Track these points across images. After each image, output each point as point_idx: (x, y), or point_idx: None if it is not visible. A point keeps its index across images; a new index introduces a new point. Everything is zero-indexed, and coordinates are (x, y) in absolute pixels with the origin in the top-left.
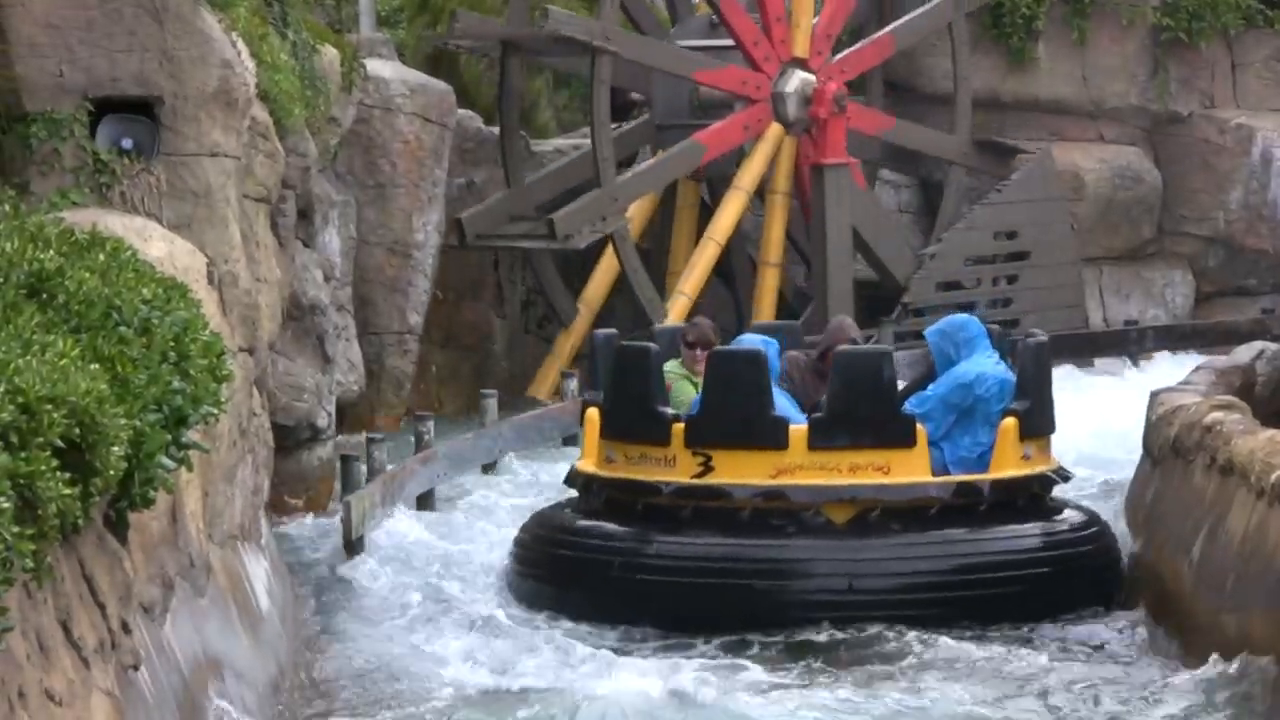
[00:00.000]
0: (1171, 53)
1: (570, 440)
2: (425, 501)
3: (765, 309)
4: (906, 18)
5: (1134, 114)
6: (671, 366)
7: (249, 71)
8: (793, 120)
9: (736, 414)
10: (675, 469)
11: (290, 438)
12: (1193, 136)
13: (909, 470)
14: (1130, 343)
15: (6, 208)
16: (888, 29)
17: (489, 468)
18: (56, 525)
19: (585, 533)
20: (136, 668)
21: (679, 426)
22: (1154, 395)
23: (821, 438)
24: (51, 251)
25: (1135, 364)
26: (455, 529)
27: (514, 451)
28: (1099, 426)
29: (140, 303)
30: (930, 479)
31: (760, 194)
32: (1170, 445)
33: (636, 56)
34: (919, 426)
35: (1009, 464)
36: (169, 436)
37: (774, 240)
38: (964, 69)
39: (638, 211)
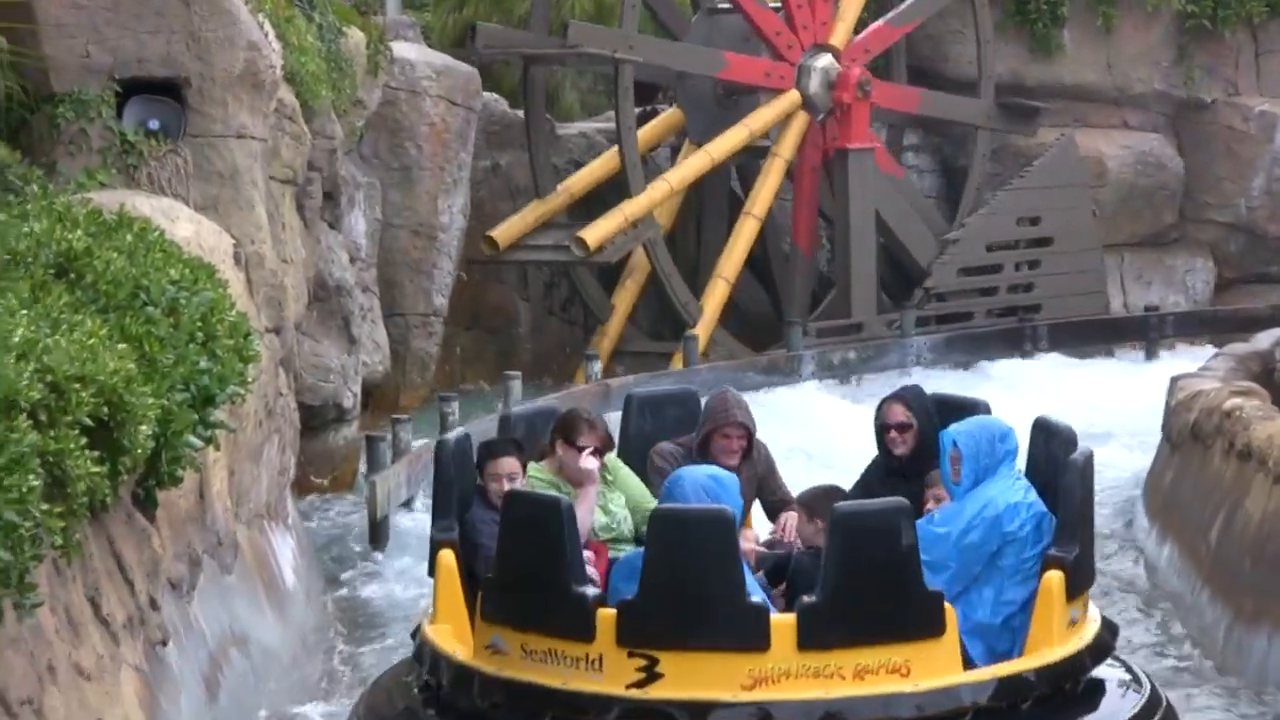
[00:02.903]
0: (1196, 40)
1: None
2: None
3: (737, 254)
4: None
5: (1157, 100)
6: (536, 471)
7: (275, 53)
8: (818, 104)
9: (694, 598)
10: (603, 676)
11: (316, 418)
12: (1216, 123)
13: (936, 669)
14: (1150, 329)
15: (35, 188)
16: (907, 4)
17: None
18: (85, 503)
19: None
20: (165, 643)
21: (607, 614)
22: (1174, 381)
23: (817, 632)
24: (79, 232)
25: (1154, 350)
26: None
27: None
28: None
29: (168, 283)
30: (964, 678)
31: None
32: (1189, 430)
33: (659, 61)
34: (948, 607)
35: (1054, 636)
36: (196, 416)
37: (762, 195)
38: (987, 55)
39: (668, 203)
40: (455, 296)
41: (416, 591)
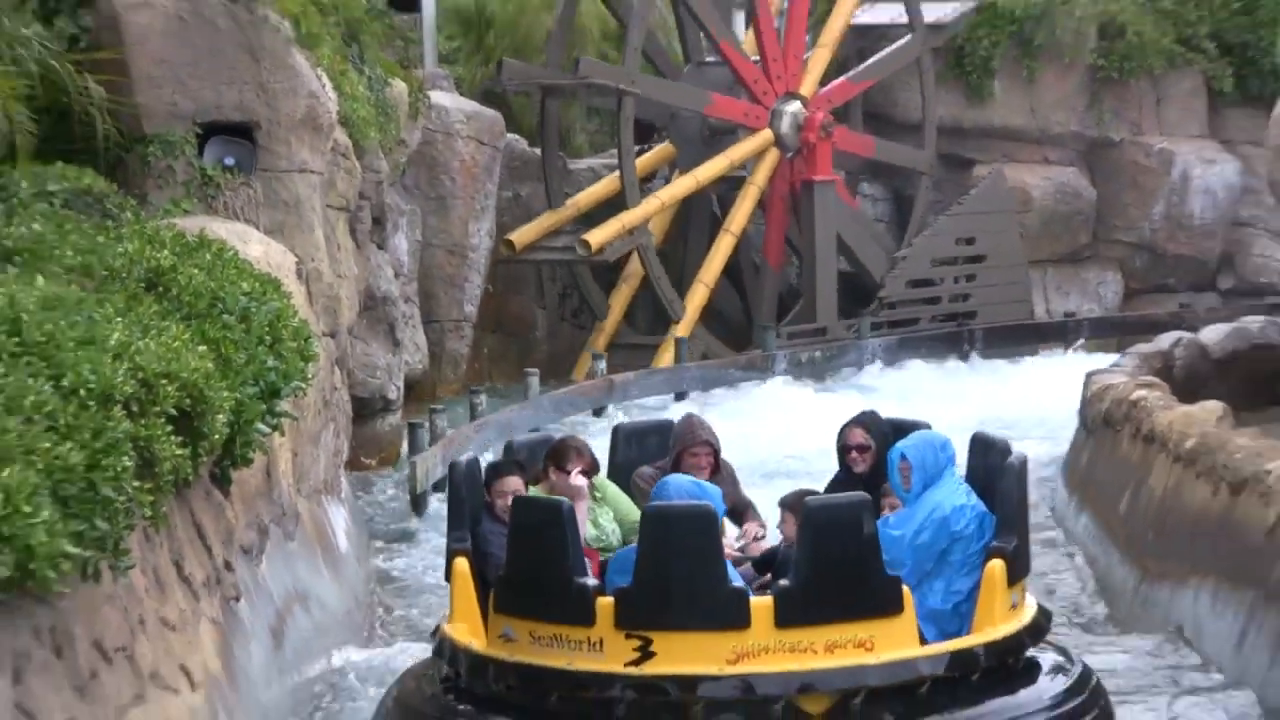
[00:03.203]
0: (1105, 88)
1: (600, 412)
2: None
3: (715, 264)
4: (882, 53)
5: (1073, 139)
6: (534, 492)
7: (331, 101)
8: (788, 143)
9: (683, 586)
10: (603, 656)
11: (366, 408)
12: (1123, 159)
13: (896, 643)
14: (1069, 332)
15: (129, 215)
16: (866, 64)
17: (531, 433)
18: (170, 480)
19: None
20: (238, 599)
21: (606, 602)
22: (1089, 376)
23: (791, 612)
24: (166, 251)
25: (1071, 350)
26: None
27: (551, 420)
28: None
29: (240, 294)
30: (920, 651)
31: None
32: (1102, 418)
33: (656, 96)
34: (904, 587)
35: (998, 618)
36: (264, 406)
37: (738, 216)
38: (930, 103)
39: (659, 222)
40: (483, 306)
41: (413, 566)
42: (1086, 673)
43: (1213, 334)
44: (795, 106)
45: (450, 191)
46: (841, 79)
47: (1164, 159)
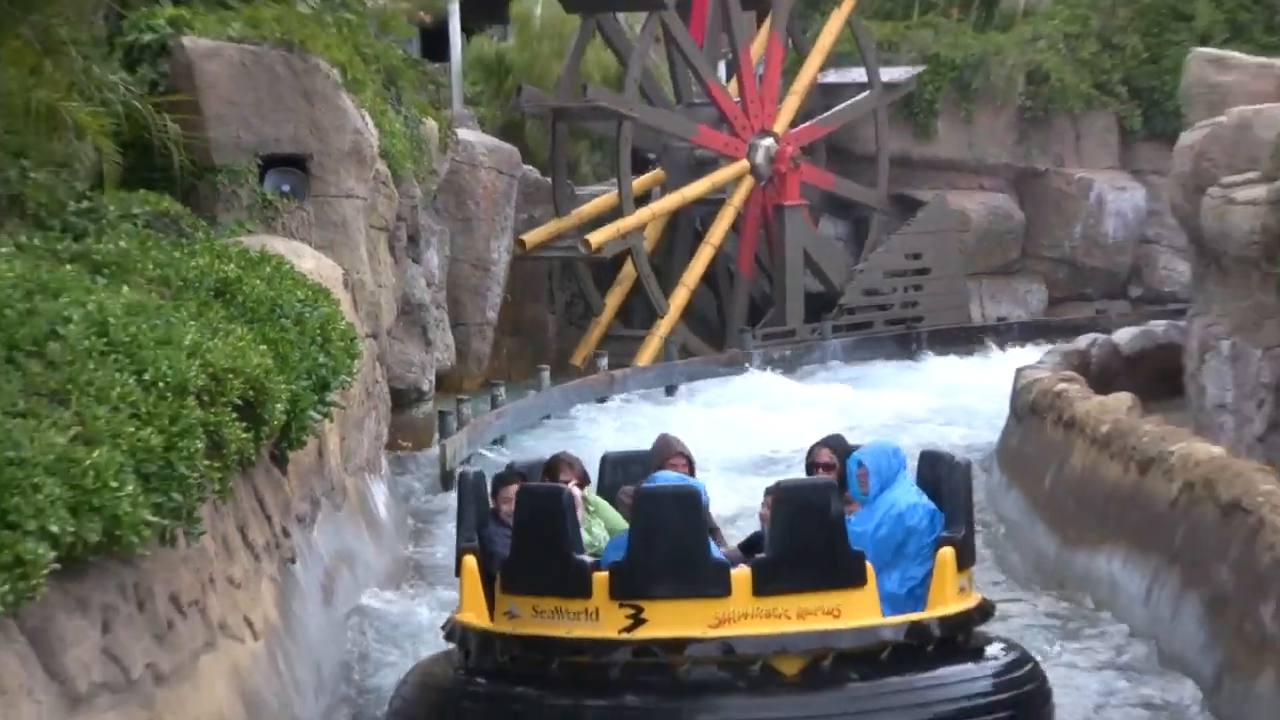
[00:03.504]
0: (1032, 126)
1: (603, 400)
2: (499, 443)
3: (696, 270)
4: (845, 104)
5: (1005, 170)
6: None
7: (373, 136)
8: (761, 172)
9: (671, 559)
10: (599, 624)
11: (402, 398)
12: (1048, 186)
13: (860, 612)
14: (1001, 334)
15: (200, 234)
16: (831, 112)
17: (544, 421)
18: (236, 460)
19: (498, 703)
20: (293, 561)
21: (601, 576)
22: (1018, 371)
23: (767, 582)
24: (232, 265)
25: (1003, 349)
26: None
27: (561, 408)
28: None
29: (295, 302)
30: (883, 620)
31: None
32: (1029, 407)
33: (651, 122)
34: (868, 562)
35: (950, 598)
36: (316, 397)
37: (717, 231)
38: (883, 140)
39: (650, 235)
40: (502, 311)
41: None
42: (1027, 654)
43: (1124, 335)
44: (769, 142)
45: (474, 214)
46: (809, 123)
47: (1082, 186)
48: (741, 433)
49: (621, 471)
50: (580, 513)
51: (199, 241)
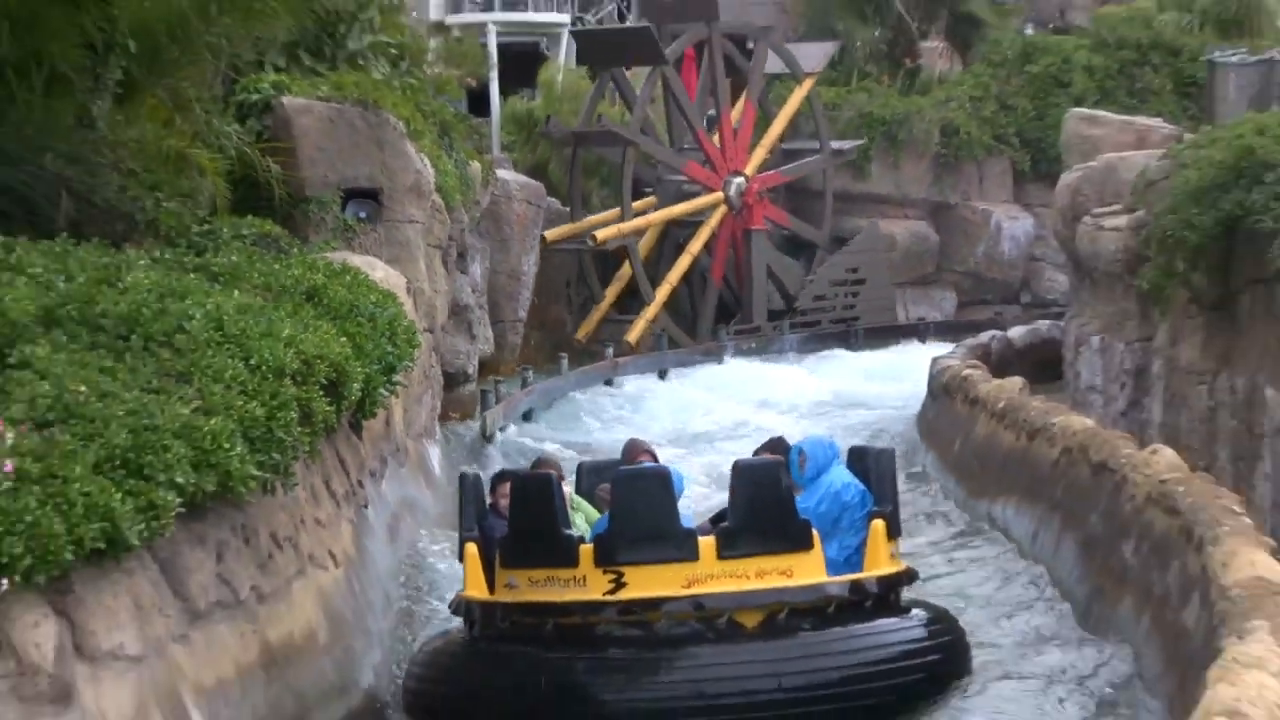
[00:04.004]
0: (945, 168)
1: (609, 383)
2: (528, 416)
3: (677, 273)
4: (801, 162)
5: (924, 203)
6: None
7: (430, 175)
8: (733, 203)
9: (646, 530)
10: (586, 588)
11: (452, 379)
12: (957, 216)
13: (809, 572)
14: (919, 331)
15: (295, 250)
16: (789, 166)
17: (564, 399)
18: (322, 427)
19: (502, 660)
20: (366, 506)
21: (587, 548)
22: (934, 360)
23: (730, 547)
24: (319, 275)
25: (923, 342)
26: (543, 431)
27: (576, 388)
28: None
29: (369, 303)
30: (828, 579)
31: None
32: (942, 388)
33: (650, 150)
34: (814, 530)
35: (883, 562)
36: (385, 378)
37: (695, 244)
38: (829, 190)
39: (644, 245)
40: (530, 311)
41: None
42: (947, 611)
43: (1016, 332)
44: (740, 180)
45: (509, 235)
46: (773, 171)
47: (984, 216)
48: (717, 405)
49: (596, 476)
50: (568, 492)
51: (294, 256)
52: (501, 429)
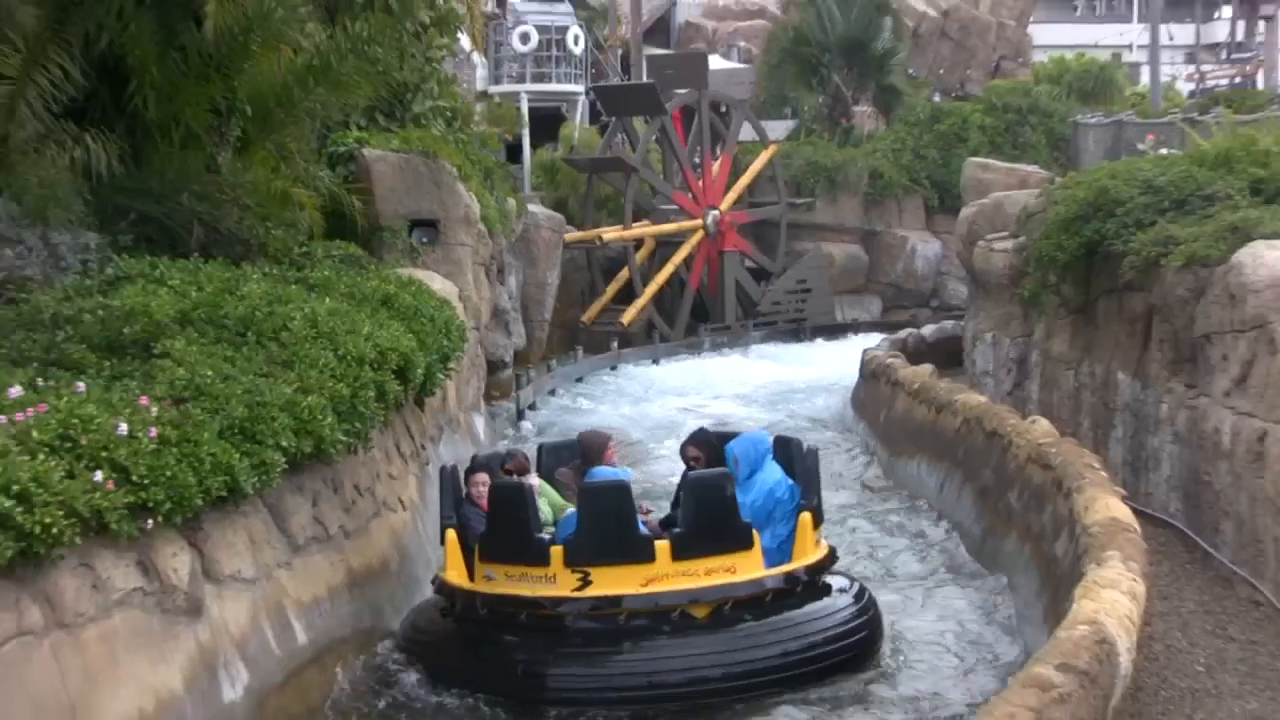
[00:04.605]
0: (873, 204)
1: (614, 369)
2: (552, 393)
3: (663, 277)
4: (762, 208)
5: (856, 230)
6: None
7: (477, 208)
8: (709, 230)
9: (610, 536)
10: (556, 585)
11: (493, 366)
12: (882, 241)
13: (750, 568)
14: (853, 329)
15: (372, 267)
16: (754, 209)
17: (579, 381)
18: (393, 402)
19: (481, 642)
20: (428, 464)
21: (557, 549)
22: (864, 351)
23: (682, 550)
24: (391, 285)
25: (856, 337)
26: (566, 406)
27: (588, 372)
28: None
29: (429, 307)
30: (766, 572)
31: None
32: (871, 371)
33: (648, 179)
34: (754, 531)
35: (810, 550)
36: (441, 365)
37: (677, 257)
38: (783, 229)
39: (641, 254)
40: (553, 314)
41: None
42: (863, 586)
43: (928, 330)
44: (715, 213)
45: (537, 255)
46: (741, 210)
47: (902, 241)
48: (698, 383)
49: (554, 457)
50: (538, 497)
51: (371, 271)
52: (531, 404)
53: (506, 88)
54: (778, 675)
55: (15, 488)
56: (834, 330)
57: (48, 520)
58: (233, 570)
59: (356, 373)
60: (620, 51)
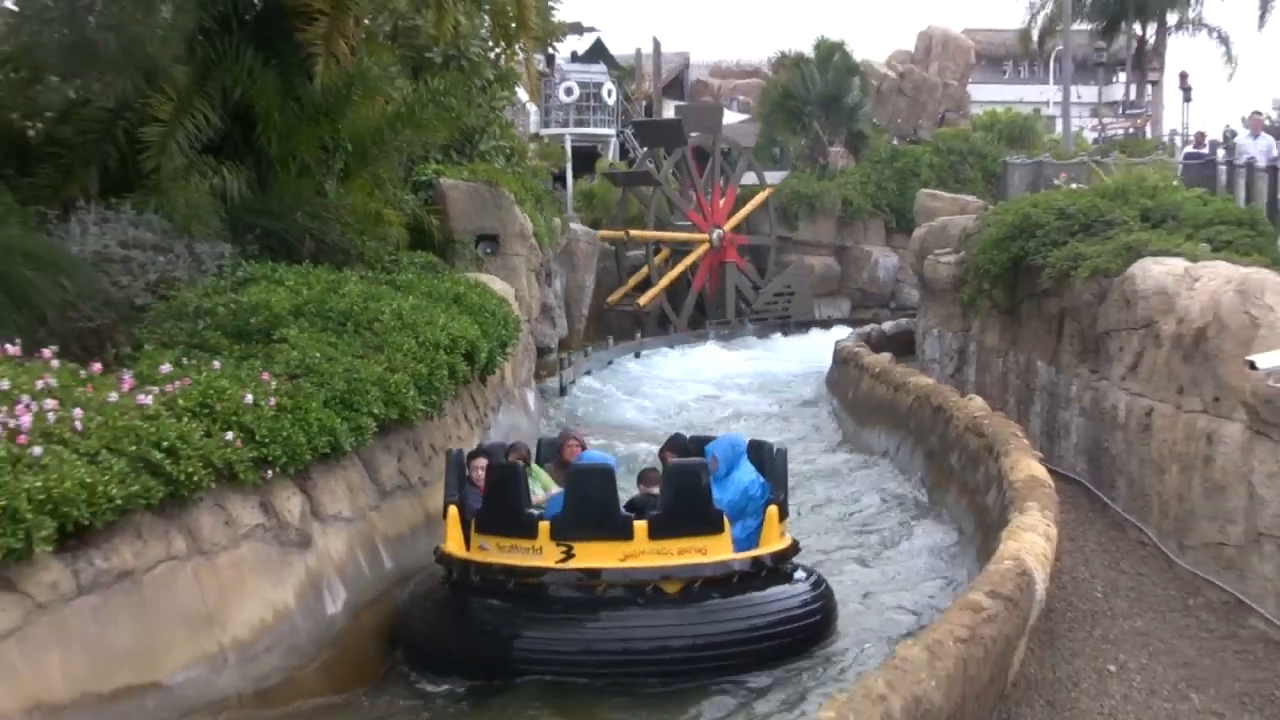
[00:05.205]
0: (844, 225)
1: (637, 355)
2: (588, 374)
3: (673, 274)
4: (757, 237)
5: (831, 246)
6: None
7: (529, 226)
8: (714, 244)
9: (592, 513)
10: (543, 556)
11: (541, 352)
12: (852, 255)
13: (719, 550)
14: (828, 324)
15: (446, 272)
16: (751, 237)
17: (609, 364)
18: (462, 380)
19: (476, 605)
20: (489, 429)
21: (545, 524)
22: (836, 342)
23: (658, 530)
24: (461, 287)
25: (830, 331)
26: (601, 386)
27: (617, 356)
28: (815, 352)
29: (491, 304)
30: (734, 555)
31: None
32: (842, 357)
33: (668, 194)
34: (725, 517)
35: (774, 540)
36: (500, 350)
37: (686, 260)
38: (773, 253)
39: (659, 257)
40: (590, 310)
41: (567, 412)
42: (820, 576)
43: (888, 326)
44: (719, 231)
45: (577, 264)
46: (741, 234)
47: (867, 254)
48: (705, 367)
49: (552, 448)
50: (531, 480)
51: (446, 276)
52: (572, 382)
53: (554, 130)
54: (739, 649)
55: (165, 444)
56: (813, 325)
57: (190, 470)
58: (334, 511)
59: (433, 355)
60: (644, 103)
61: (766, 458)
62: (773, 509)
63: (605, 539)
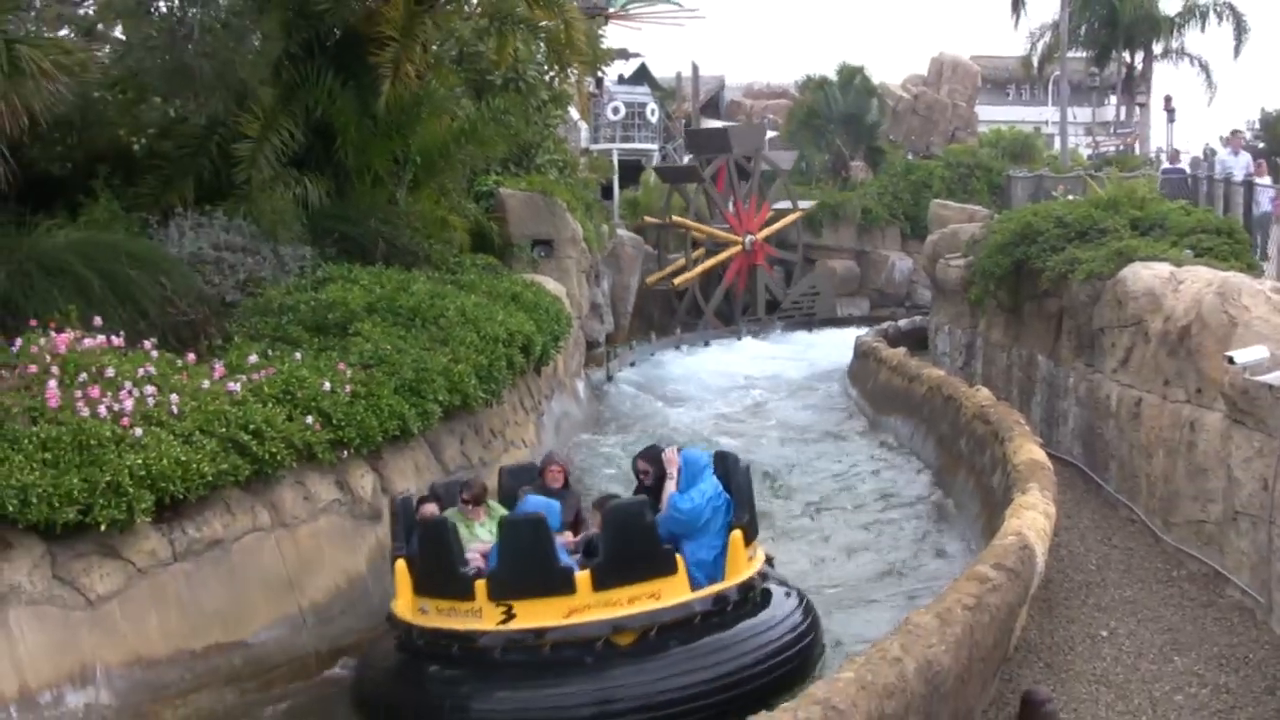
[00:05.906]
0: (864, 231)
1: (678, 348)
2: (633, 365)
3: (705, 265)
4: (785, 252)
5: (852, 251)
6: (450, 513)
7: (580, 231)
8: (746, 248)
9: (529, 569)
10: (482, 618)
11: (590, 345)
12: (871, 258)
13: (675, 592)
14: (849, 322)
15: (505, 273)
16: (779, 252)
17: (652, 355)
18: (519, 370)
19: (419, 673)
20: (542, 415)
21: (481, 583)
22: (857, 337)
23: (603, 580)
24: (519, 286)
25: (851, 327)
26: (642, 376)
27: (660, 349)
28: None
29: (546, 302)
30: (692, 595)
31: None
32: (862, 351)
33: (710, 193)
34: (678, 556)
35: (741, 568)
36: (553, 343)
37: (719, 258)
38: (799, 266)
39: (697, 252)
40: (634, 308)
41: (625, 400)
42: (803, 595)
43: (903, 323)
44: (751, 237)
45: (623, 266)
46: (770, 245)
47: (885, 258)
48: (739, 361)
49: (514, 479)
50: (482, 513)
51: (505, 276)
52: (620, 371)
53: (602, 146)
54: (708, 700)
55: (251, 426)
56: (835, 323)
57: (273, 450)
58: (403, 488)
59: (493, 348)
60: (684, 121)
61: (731, 470)
62: (736, 535)
63: (545, 595)
